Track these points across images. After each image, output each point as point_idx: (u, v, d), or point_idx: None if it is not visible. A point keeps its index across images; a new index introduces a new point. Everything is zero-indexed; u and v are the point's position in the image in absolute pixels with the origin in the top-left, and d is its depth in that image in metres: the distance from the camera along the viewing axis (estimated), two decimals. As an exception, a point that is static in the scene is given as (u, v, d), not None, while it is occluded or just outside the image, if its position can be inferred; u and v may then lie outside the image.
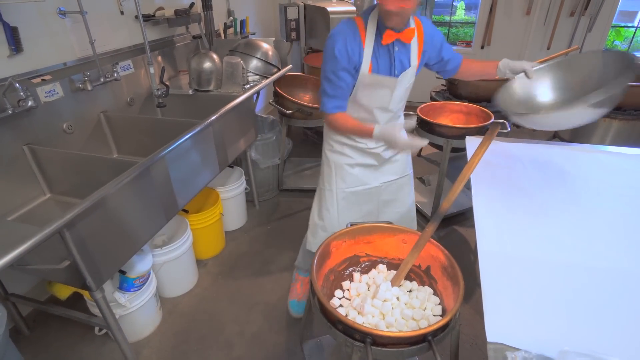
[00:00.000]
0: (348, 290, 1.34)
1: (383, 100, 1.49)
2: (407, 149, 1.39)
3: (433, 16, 4.89)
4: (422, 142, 1.33)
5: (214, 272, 2.24)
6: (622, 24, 3.98)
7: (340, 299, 1.30)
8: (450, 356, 1.25)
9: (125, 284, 1.69)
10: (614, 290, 1.01)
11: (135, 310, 1.71)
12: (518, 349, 0.85)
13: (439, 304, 1.25)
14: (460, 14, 5.38)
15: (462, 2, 6.22)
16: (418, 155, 3.49)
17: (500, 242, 1.21)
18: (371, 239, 1.44)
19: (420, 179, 2.98)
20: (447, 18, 4.68)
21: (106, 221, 1.37)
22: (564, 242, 1.20)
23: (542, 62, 2.78)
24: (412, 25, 1.39)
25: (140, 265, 1.69)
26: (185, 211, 2.14)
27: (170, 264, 1.92)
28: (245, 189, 2.59)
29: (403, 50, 1.41)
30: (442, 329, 1.08)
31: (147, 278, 1.77)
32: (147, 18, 2.41)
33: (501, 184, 1.54)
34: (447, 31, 4.69)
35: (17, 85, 1.50)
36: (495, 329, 0.91)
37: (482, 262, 1.12)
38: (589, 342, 0.85)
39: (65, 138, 1.92)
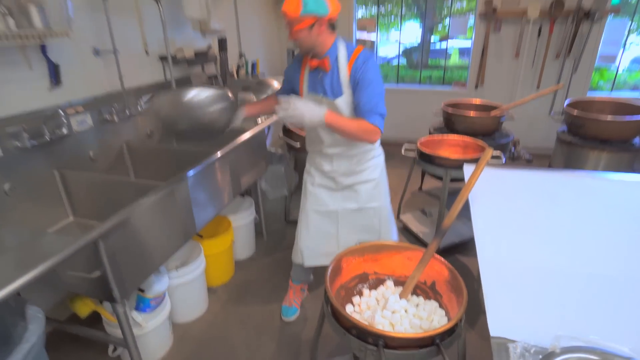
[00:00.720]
0: (359, 304, 1.42)
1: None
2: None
3: (429, 60, 5.23)
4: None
5: (224, 298, 2.29)
6: (604, 66, 4.27)
7: (351, 313, 1.37)
8: (458, 367, 1.30)
9: (142, 304, 1.75)
10: (600, 291, 1.10)
11: (150, 332, 1.75)
12: (518, 341, 0.93)
13: (445, 316, 1.32)
14: (454, 59, 5.74)
15: (456, 49, 6.66)
16: (419, 190, 3.63)
17: (498, 250, 1.31)
18: (379, 257, 1.53)
19: (422, 211, 3.09)
20: (442, 62, 5.01)
21: (133, 237, 1.47)
22: (556, 250, 1.30)
23: (531, 99, 2.99)
24: (331, 55, 1.58)
25: (158, 285, 1.76)
26: (200, 236, 2.23)
27: (183, 288, 1.98)
28: (255, 218, 2.69)
29: (326, 78, 1.61)
30: (449, 333, 1.15)
31: (163, 299, 1.83)
32: (168, 58, 2.63)
33: (498, 201, 1.66)
34: (442, 74, 5.02)
35: (62, 113, 1.66)
36: (497, 325, 0.99)
37: (482, 267, 1.21)
38: (580, 331, 0.93)
39: (90, 165, 2.05)
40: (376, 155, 1.84)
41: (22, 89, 1.74)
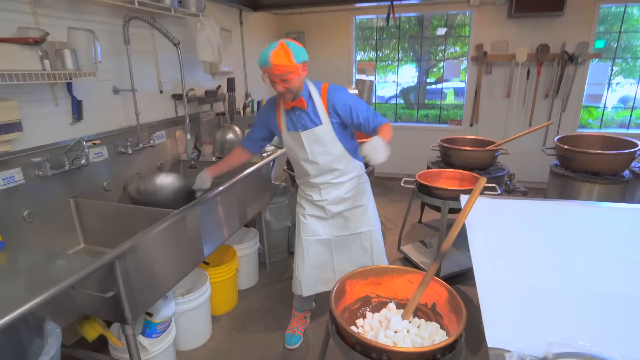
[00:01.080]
0: (362, 326, 1.46)
1: (302, 152, 1.83)
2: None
3: (426, 101, 5.49)
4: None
5: (227, 326, 2.30)
6: (592, 105, 4.49)
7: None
8: (460, 387, 1.32)
9: (149, 329, 1.78)
10: (591, 305, 1.17)
11: (155, 357, 1.77)
12: (513, 351, 0.98)
13: (446, 336, 1.36)
14: (450, 99, 6.01)
15: (452, 89, 6.98)
16: (419, 222, 3.71)
17: (494, 270, 1.38)
18: (381, 280, 1.59)
19: (422, 242, 3.15)
20: (438, 102, 5.26)
21: (146, 260, 1.54)
22: (549, 270, 1.37)
23: (524, 134, 3.14)
24: (304, 94, 1.74)
25: (165, 310, 1.80)
26: (206, 264, 2.28)
27: (188, 314, 2.01)
28: (259, 248, 2.75)
29: (303, 114, 1.77)
30: (450, 349, 1.20)
31: (169, 325, 1.87)
32: (180, 97, 2.81)
33: (494, 227, 1.74)
34: (438, 113, 5.25)
35: (85, 143, 1.78)
36: (495, 337, 1.05)
37: (480, 285, 1.28)
38: (571, 339, 0.98)
39: (103, 194, 2.15)
40: (363, 181, 1.96)
41: (48, 123, 1.88)
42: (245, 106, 3.60)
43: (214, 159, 2.68)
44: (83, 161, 1.95)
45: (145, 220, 1.83)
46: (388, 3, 3.58)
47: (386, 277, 1.59)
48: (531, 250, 1.54)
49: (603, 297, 1.21)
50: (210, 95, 2.97)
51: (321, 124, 1.77)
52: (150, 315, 1.72)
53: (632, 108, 4.41)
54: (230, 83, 3.15)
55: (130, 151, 2.29)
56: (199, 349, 2.11)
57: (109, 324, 1.78)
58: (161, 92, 2.72)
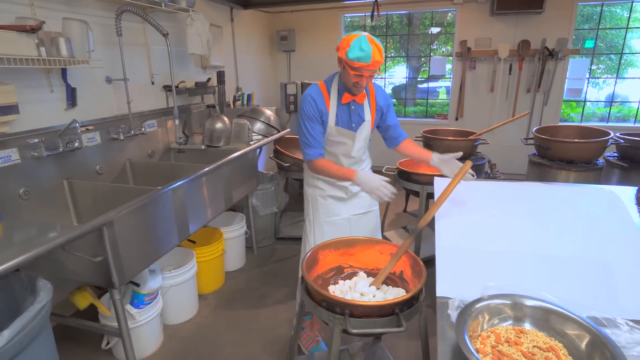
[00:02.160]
0: (333, 292, 1.57)
1: (346, 149, 1.85)
2: (379, 191, 1.67)
3: (417, 100, 5.64)
4: (390, 187, 1.67)
5: (213, 304, 2.42)
6: (572, 99, 4.63)
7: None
8: (420, 344, 1.44)
9: (136, 300, 1.90)
10: (535, 265, 1.29)
11: (142, 326, 1.88)
12: (456, 297, 1.10)
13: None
14: (442, 97, 6.15)
15: (444, 88, 7.11)
16: (403, 211, 3.83)
17: (454, 236, 1.50)
18: (353, 251, 1.70)
19: (404, 228, 3.27)
20: (430, 100, 5.42)
21: (132, 230, 1.66)
22: (504, 237, 1.50)
23: (503, 124, 3.26)
24: (365, 89, 1.77)
25: (152, 282, 1.91)
26: (193, 242, 2.40)
27: (175, 289, 2.13)
28: (246, 233, 2.87)
29: (358, 108, 1.79)
30: (408, 304, 1.31)
31: (155, 297, 1.98)
32: (171, 88, 2.93)
33: (461, 204, 1.86)
34: (425, 108, 5.39)
35: (77, 125, 1.89)
36: (443, 288, 1.17)
37: (438, 248, 1.41)
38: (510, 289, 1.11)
39: (96, 177, 2.27)
40: (370, 160, 2.07)
41: (43, 108, 2.01)
42: (235, 99, 3.72)
43: (203, 147, 2.80)
44: (76, 144, 2.07)
45: (131, 196, 1.94)
46: (372, 0, 3.72)
47: (357, 247, 1.70)
48: (489, 223, 1.66)
49: (546, 258, 1.33)
50: (201, 87, 3.09)
51: (365, 120, 1.82)
52: (137, 285, 1.83)
53: (611, 102, 4.55)
54: (220, 76, 3.28)
55: (122, 137, 2.41)
56: (186, 323, 2.23)
57: (99, 297, 1.90)
58: (153, 83, 2.84)
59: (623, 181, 3.09)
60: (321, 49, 4.98)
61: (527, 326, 0.98)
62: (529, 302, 0.98)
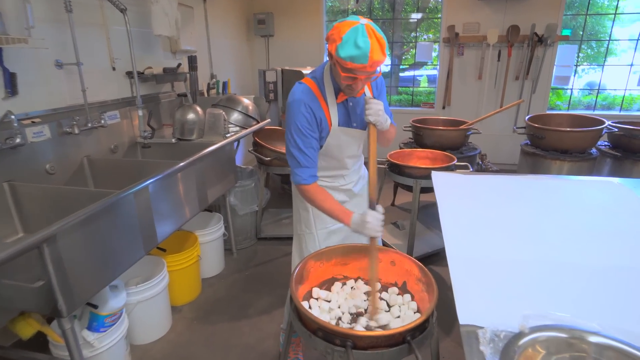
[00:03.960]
0: (322, 299, 1.35)
1: (352, 149, 1.56)
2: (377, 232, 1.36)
3: (399, 88, 5.44)
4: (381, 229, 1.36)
5: (189, 317, 2.16)
6: (560, 87, 4.55)
7: (317, 306, 1.30)
8: (430, 367, 1.24)
9: (95, 323, 1.62)
10: (566, 276, 1.11)
11: (103, 352, 1.61)
12: (487, 327, 0.90)
13: (417, 312, 1.28)
14: (423, 85, 5.99)
15: (425, 76, 6.98)
16: (392, 205, 3.65)
17: (466, 245, 1.31)
18: (347, 260, 1.48)
19: (394, 224, 3.08)
20: (411, 88, 5.23)
21: (85, 244, 1.38)
22: (521, 243, 1.32)
23: (495, 113, 3.11)
24: None
25: (114, 301, 1.64)
26: (163, 250, 2.12)
27: (144, 305, 1.86)
28: (224, 235, 2.61)
29: (356, 104, 1.48)
30: (420, 329, 1.11)
31: (119, 317, 1.71)
32: (134, 74, 2.60)
33: (465, 203, 1.68)
34: (410, 97, 5.21)
35: (13, 117, 1.58)
36: (466, 313, 0.96)
37: (451, 261, 1.20)
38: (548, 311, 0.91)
39: (46, 178, 1.95)
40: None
41: (-27, 96, 1.66)
42: (209, 87, 3.40)
43: (173, 140, 2.50)
44: (18, 140, 1.74)
45: (88, 201, 1.65)
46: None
47: (352, 256, 1.48)
48: (503, 224, 1.48)
49: (577, 268, 1.15)
50: (170, 74, 2.77)
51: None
52: (95, 307, 1.55)
53: (598, 90, 4.49)
54: (192, 61, 2.95)
55: (77, 131, 2.08)
56: (157, 342, 1.96)
57: (50, 321, 1.61)
58: (114, 69, 2.50)
59: (615, 171, 3.00)
60: (301, 34, 4.69)
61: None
62: (592, 339, 0.77)
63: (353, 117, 1.49)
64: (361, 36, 1.16)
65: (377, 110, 1.33)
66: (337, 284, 1.40)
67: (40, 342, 1.62)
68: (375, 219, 1.31)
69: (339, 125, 1.45)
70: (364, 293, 1.38)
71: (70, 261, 1.29)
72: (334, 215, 1.43)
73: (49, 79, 2.02)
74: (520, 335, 0.80)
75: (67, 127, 2.05)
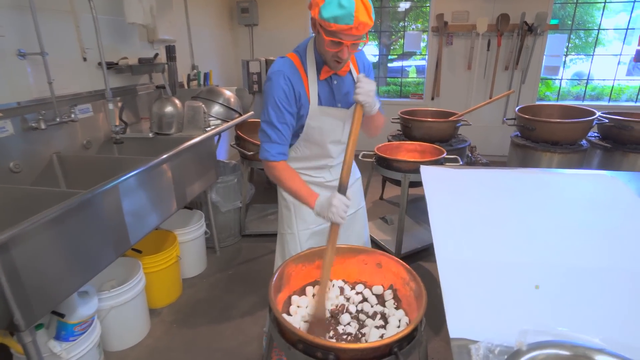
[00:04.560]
0: (295, 312, 1.26)
1: (335, 133, 1.45)
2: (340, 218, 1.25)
3: (388, 79, 5.34)
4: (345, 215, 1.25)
5: (168, 320, 2.06)
6: (549, 77, 4.51)
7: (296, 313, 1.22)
8: (419, 377, 1.18)
9: (64, 332, 1.51)
10: (565, 282, 1.04)
11: (73, 363, 1.51)
12: (480, 341, 0.82)
13: (406, 316, 1.21)
14: (412, 76, 5.92)
15: (414, 67, 6.89)
16: (380, 199, 3.58)
17: (457, 248, 1.23)
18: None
19: (382, 219, 3.01)
20: (400, 79, 5.14)
21: (44, 251, 1.26)
22: (515, 244, 1.24)
23: (485, 104, 3.05)
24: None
25: (83, 309, 1.53)
26: (139, 252, 2.01)
27: (118, 310, 1.75)
28: (206, 233, 2.50)
29: (341, 82, 1.39)
30: (408, 339, 1.03)
31: (90, 325, 1.60)
32: (110, 65, 2.45)
33: (455, 199, 1.60)
34: (399, 88, 5.12)
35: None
36: (457, 326, 0.89)
37: (441, 266, 1.13)
38: (547, 324, 0.84)
39: (11, 177, 1.82)
40: None
41: None
42: (190, 79, 3.26)
43: (150, 134, 2.37)
44: (-26, 136, 1.61)
45: (56, 202, 1.54)
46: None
47: (336, 258, 1.39)
48: (494, 222, 1.40)
49: (575, 270, 1.08)
50: (146, 64, 2.62)
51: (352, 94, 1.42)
52: (62, 315, 1.45)
53: (587, 81, 4.46)
54: (170, 51, 2.81)
55: (43, 126, 1.94)
56: (134, 348, 1.87)
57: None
58: (85, 59, 2.34)
59: (605, 163, 2.97)
60: (286, 23, 4.54)
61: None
62: (598, 357, 0.70)
63: (338, 96, 1.39)
64: None
65: (368, 90, 1.23)
66: (309, 288, 1.32)
67: (2, 355, 1.52)
68: (341, 203, 1.21)
69: (321, 104, 1.36)
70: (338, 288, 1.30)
71: (28, 270, 1.18)
72: (299, 196, 1.34)
73: (10, 70, 1.87)
74: (517, 353, 0.72)
75: (32, 121, 1.91)
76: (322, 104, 1.37)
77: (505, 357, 0.77)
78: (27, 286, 1.18)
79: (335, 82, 1.38)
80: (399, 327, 1.16)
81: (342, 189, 1.23)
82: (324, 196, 1.27)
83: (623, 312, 0.91)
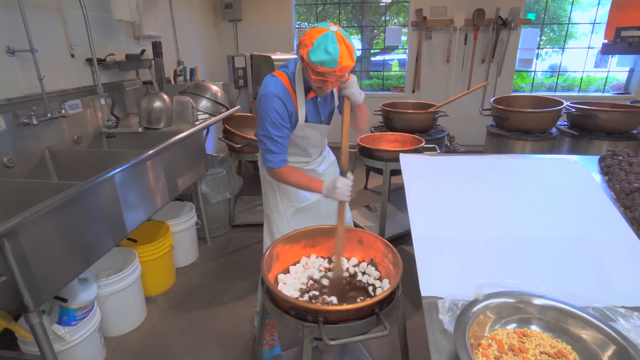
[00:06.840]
0: (284, 283, 1.38)
1: (316, 141, 1.69)
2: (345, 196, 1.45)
3: (371, 72, 5.46)
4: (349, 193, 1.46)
5: (163, 307, 2.15)
6: (524, 69, 4.70)
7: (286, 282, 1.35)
8: (399, 338, 1.31)
9: (66, 317, 1.59)
10: (520, 249, 1.19)
11: (76, 345, 1.60)
12: (446, 297, 0.95)
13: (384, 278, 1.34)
14: (395, 69, 6.07)
15: (397, 60, 7.04)
16: (364, 188, 3.71)
17: (429, 224, 1.37)
18: (316, 242, 1.52)
19: (367, 207, 3.15)
20: (383, 73, 5.27)
21: (49, 237, 1.34)
22: (480, 220, 1.39)
23: (462, 95, 3.19)
24: None
25: (84, 294, 1.62)
26: (134, 241, 2.09)
27: (116, 297, 1.84)
28: (197, 223, 2.59)
29: (323, 100, 1.60)
30: (388, 301, 1.16)
31: (90, 310, 1.69)
32: (98, 62, 2.49)
33: (431, 183, 1.74)
34: (381, 81, 5.25)
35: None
36: (428, 286, 1.02)
37: (415, 239, 1.26)
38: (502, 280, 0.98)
39: (5, 172, 1.87)
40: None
41: None
42: (176, 74, 3.32)
43: (140, 129, 2.43)
44: (-31, 132, 1.66)
45: (51, 194, 1.61)
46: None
47: (320, 238, 1.52)
48: (465, 203, 1.54)
49: (530, 240, 1.22)
50: (133, 60, 2.67)
51: (335, 107, 1.66)
52: (65, 300, 1.53)
53: (558, 73, 4.67)
54: (157, 47, 2.87)
55: (35, 122, 1.99)
56: (132, 332, 1.95)
57: (17, 318, 1.57)
58: (72, 55, 2.39)
59: (573, 149, 3.16)
60: (270, 18, 4.61)
61: (531, 328, 0.85)
62: (537, 301, 0.84)
63: (322, 111, 1.61)
64: (331, 43, 1.25)
65: (350, 82, 1.43)
66: (292, 267, 1.44)
67: (7, 340, 1.59)
68: (344, 184, 1.43)
69: (307, 121, 1.57)
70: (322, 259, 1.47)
71: (35, 255, 1.26)
72: (308, 187, 1.55)
73: (0, 67, 1.92)
74: (474, 302, 0.85)
75: (24, 117, 1.96)
76: (309, 121, 1.58)
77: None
78: (35, 270, 1.26)
79: (319, 99, 1.58)
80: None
81: (343, 172, 1.43)
82: (328, 181, 1.47)
83: (569, 269, 1.06)
